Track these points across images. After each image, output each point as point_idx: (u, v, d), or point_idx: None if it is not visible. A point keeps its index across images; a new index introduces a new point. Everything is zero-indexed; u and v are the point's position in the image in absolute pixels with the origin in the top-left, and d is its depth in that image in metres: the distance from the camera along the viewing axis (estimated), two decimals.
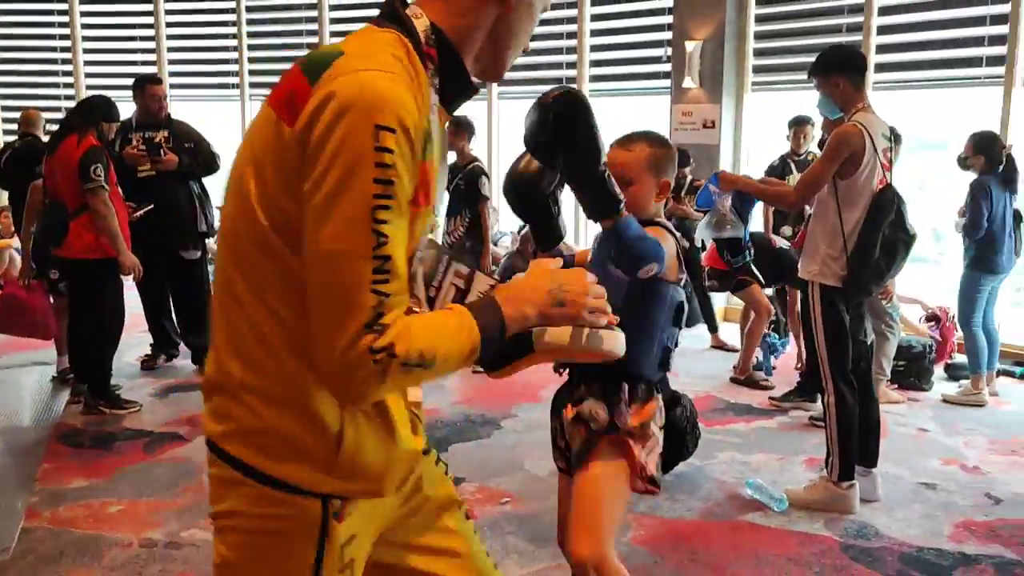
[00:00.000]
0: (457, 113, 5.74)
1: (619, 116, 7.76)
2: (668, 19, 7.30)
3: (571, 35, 7.94)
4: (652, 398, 2.12)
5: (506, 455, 4.21)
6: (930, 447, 4.32)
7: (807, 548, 3.24)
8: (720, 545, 3.27)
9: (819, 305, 3.46)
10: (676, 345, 2.17)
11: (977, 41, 5.96)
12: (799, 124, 5.83)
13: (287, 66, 1.27)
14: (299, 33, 9.31)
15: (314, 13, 9.10)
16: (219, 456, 1.31)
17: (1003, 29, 5.75)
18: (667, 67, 7.32)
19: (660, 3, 7.40)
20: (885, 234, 3.30)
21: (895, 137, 3.57)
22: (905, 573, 3.08)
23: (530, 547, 3.22)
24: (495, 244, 7.69)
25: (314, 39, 9.17)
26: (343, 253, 1.12)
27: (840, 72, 3.40)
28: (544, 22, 7.98)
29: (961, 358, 5.64)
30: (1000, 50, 5.79)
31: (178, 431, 4.49)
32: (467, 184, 5.60)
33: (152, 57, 9.60)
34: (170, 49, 9.67)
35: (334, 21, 9.15)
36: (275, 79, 1.29)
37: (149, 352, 5.77)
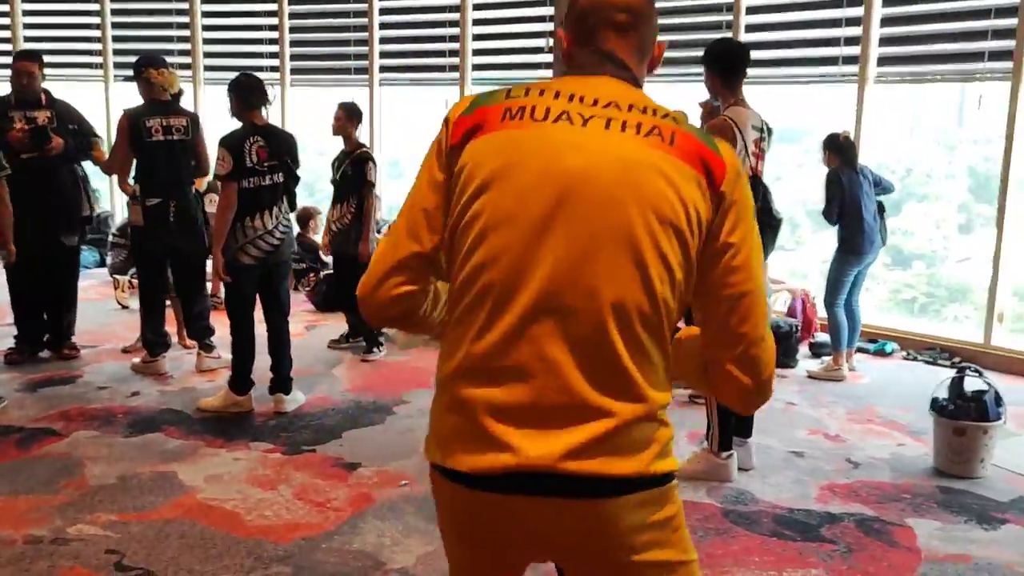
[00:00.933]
0: (345, 100, 5.65)
1: None
2: (549, 10, 7.46)
3: (453, 23, 8.01)
4: None
5: (401, 439, 4.26)
6: (797, 419, 4.65)
7: (691, 515, 3.44)
8: None
9: None
10: None
11: (834, 41, 6.38)
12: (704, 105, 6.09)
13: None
14: (168, 12, 8.99)
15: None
16: (646, 484, 1.42)
17: (858, 31, 6.19)
18: (549, 57, 7.49)
19: None
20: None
21: (768, 129, 3.82)
22: (778, 532, 3.33)
23: (430, 526, 3.28)
24: (378, 232, 7.69)
25: (184, 18, 8.88)
26: (757, 280, 1.45)
27: (711, 66, 3.62)
28: (430, 10, 8.05)
29: (822, 336, 6.06)
30: (855, 50, 6.22)
31: (51, 427, 4.30)
32: (354, 170, 5.58)
33: (7, 34, 9.05)
34: (26, 26, 9.14)
35: (205, 1, 8.89)
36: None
37: (13, 346, 5.48)
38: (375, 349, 5.70)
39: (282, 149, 4.54)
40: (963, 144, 9.95)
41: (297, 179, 4.69)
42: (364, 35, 8.37)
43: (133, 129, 4.96)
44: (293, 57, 8.74)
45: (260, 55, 8.83)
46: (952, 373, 4.10)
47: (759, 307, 1.43)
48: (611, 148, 1.39)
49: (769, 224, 3.60)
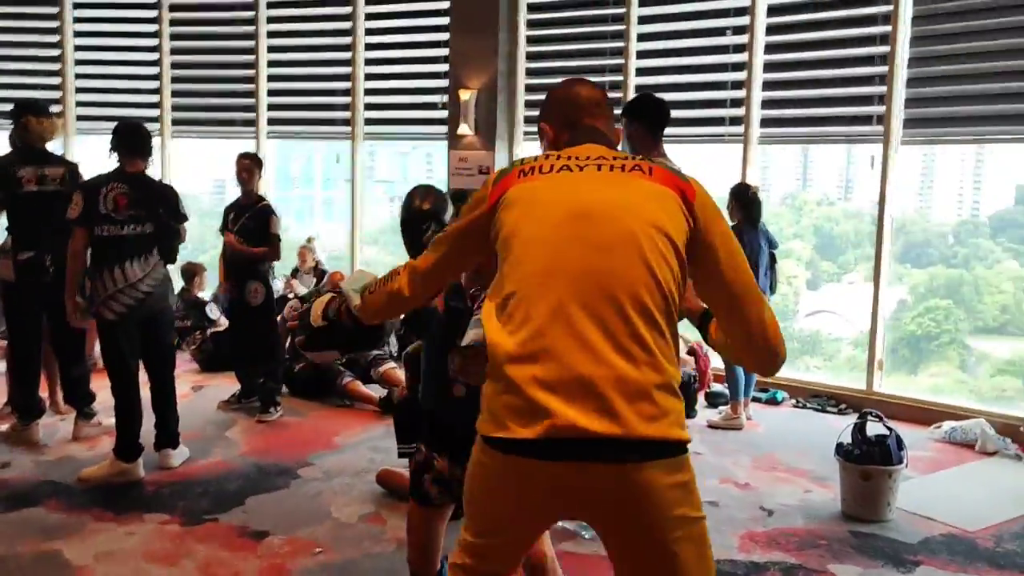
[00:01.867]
0: (250, 150, 5.52)
1: (401, 160, 7.82)
2: (444, 67, 7.50)
3: (346, 77, 7.93)
4: None
5: (310, 504, 4.03)
6: (706, 468, 4.69)
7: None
8: None
9: None
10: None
11: (721, 103, 6.68)
12: None
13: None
14: (38, 58, 8.52)
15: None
16: (672, 450, 1.70)
17: (742, 93, 6.50)
18: (444, 114, 7.50)
19: (437, 52, 7.59)
20: None
21: None
22: None
23: None
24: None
25: (56, 65, 8.43)
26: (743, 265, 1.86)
27: (638, 118, 3.67)
28: (325, 63, 7.93)
29: (718, 387, 6.20)
30: (740, 111, 6.53)
31: None
32: (256, 223, 5.37)
33: None
34: None
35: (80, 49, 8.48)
36: None
37: None
38: (272, 409, 5.42)
39: (152, 200, 4.28)
40: (808, 204, 10.58)
41: (174, 233, 4.43)
42: (251, 86, 8.17)
43: (3, 179, 4.61)
44: (175, 108, 8.42)
45: (138, 105, 8.47)
46: (845, 419, 4.24)
47: (751, 287, 1.85)
48: (607, 180, 1.82)
49: None
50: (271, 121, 8.25)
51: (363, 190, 8.19)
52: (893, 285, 8.25)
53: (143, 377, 4.38)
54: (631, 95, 6.91)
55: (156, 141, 8.33)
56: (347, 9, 7.85)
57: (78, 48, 8.51)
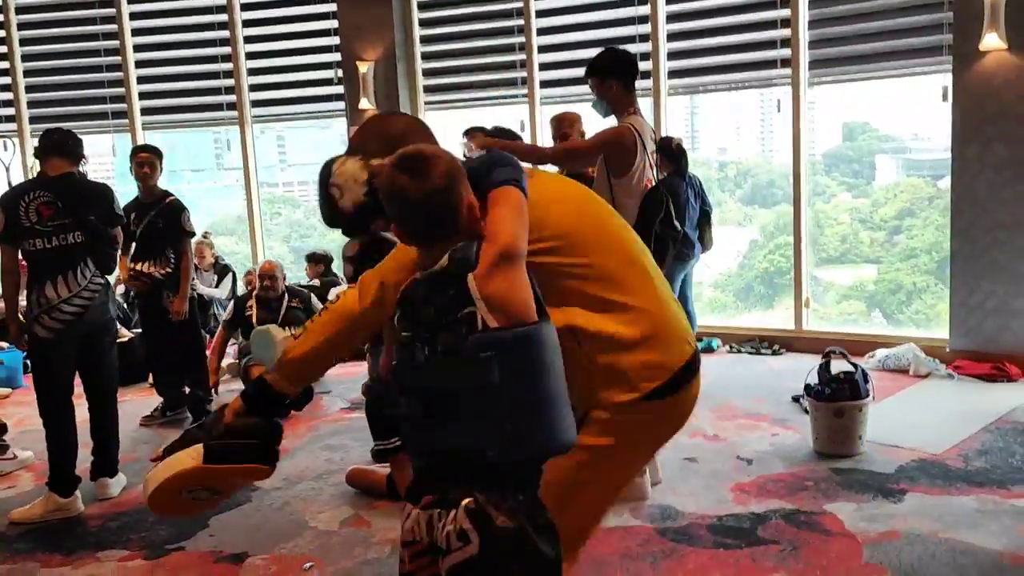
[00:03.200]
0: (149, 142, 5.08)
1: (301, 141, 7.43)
2: (334, 40, 7.12)
3: (225, 58, 7.42)
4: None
5: (281, 517, 3.74)
6: None
7: (631, 541, 3.29)
8: None
9: None
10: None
11: None
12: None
13: None
14: None
15: None
16: None
17: (648, 47, 6.45)
18: (340, 89, 7.13)
19: (325, 25, 7.19)
20: (657, 231, 3.49)
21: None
22: (721, 543, 3.26)
23: None
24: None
25: None
26: None
27: (614, 75, 3.53)
28: (198, 45, 7.39)
29: None
30: (646, 65, 6.49)
31: None
32: (167, 220, 4.92)
33: None
34: None
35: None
36: None
37: None
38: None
39: (81, 206, 3.85)
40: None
41: (108, 239, 4.00)
42: (119, 75, 7.53)
43: None
44: (32, 104, 7.67)
45: None
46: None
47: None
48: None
49: (671, 236, 3.57)
50: (146, 111, 7.64)
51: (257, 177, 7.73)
52: (744, 226, 8.63)
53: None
54: (535, 57, 6.77)
55: (13, 144, 7.70)
56: None
57: None
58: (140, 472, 4.30)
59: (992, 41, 5.15)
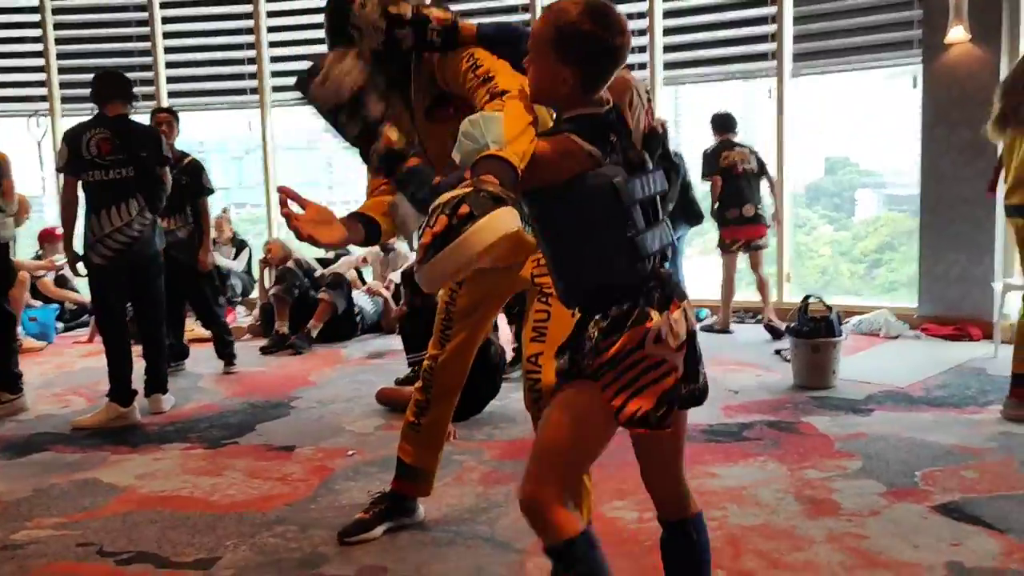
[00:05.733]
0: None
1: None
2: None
3: (249, 46, 7.91)
4: (637, 316, 1.64)
5: (320, 424, 4.18)
6: None
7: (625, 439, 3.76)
8: None
9: None
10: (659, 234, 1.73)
11: None
12: None
13: None
14: None
15: None
16: None
17: (645, 40, 7.00)
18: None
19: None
20: None
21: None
22: (713, 439, 3.74)
23: None
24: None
25: None
26: None
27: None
28: (224, 33, 7.86)
29: None
30: (644, 57, 7.03)
31: None
32: (191, 178, 5.33)
33: None
34: None
35: None
36: None
37: None
38: (234, 360, 5.47)
39: (135, 144, 4.31)
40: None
41: (156, 178, 4.44)
42: (148, 59, 8.01)
43: None
44: (63, 85, 8.13)
45: (22, 84, 8.15)
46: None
47: None
48: None
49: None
50: (171, 94, 8.11)
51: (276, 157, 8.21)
52: None
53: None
54: None
55: (46, 121, 8.15)
56: None
57: None
58: (184, 397, 4.75)
59: (957, 34, 5.73)
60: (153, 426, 4.24)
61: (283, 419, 4.30)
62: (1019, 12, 5.70)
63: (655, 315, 1.65)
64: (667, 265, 1.77)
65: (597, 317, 1.69)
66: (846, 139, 11.05)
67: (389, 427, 4.07)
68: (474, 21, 2.09)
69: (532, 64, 1.71)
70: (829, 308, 4.67)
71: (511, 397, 4.42)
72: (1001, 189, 4.10)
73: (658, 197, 1.75)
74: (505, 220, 1.47)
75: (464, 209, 1.45)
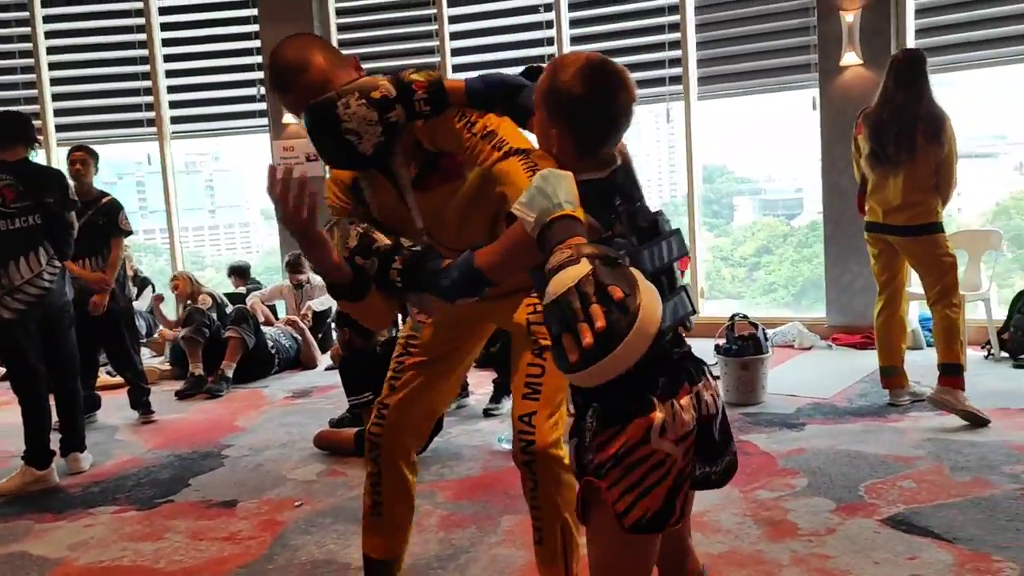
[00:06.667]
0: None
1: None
2: (257, 59, 7.45)
3: (145, 76, 7.61)
4: (640, 407, 1.52)
5: (259, 474, 4.03)
6: None
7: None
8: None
9: None
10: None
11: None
12: None
13: None
14: None
15: None
16: None
17: None
18: (263, 106, 7.45)
19: (247, 45, 7.51)
20: None
21: None
22: None
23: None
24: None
25: None
26: None
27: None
28: (117, 63, 7.53)
29: None
30: None
31: None
32: (108, 218, 5.09)
33: None
34: None
35: None
36: None
37: None
38: (151, 408, 5.21)
39: (40, 189, 4.07)
40: None
41: (64, 224, 4.20)
42: (33, 92, 7.58)
43: None
44: None
45: None
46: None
47: None
48: None
49: None
50: (60, 127, 7.72)
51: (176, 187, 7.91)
52: None
53: None
54: (450, 74, 7.29)
55: None
56: (138, 4, 7.55)
57: None
58: (103, 452, 4.50)
59: (850, 58, 6.05)
60: (75, 488, 3.98)
61: (218, 471, 4.12)
62: (905, 36, 6.07)
63: (659, 406, 1.52)
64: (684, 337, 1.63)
65: (595, 404, 1.56)
66: (723, 149, 11.46)
67: (333, 472, 3.96)
68: (461, 76, 1.98)
69: (535, 117, 1.65)
70: (755, 325, 4.82)
71: (454, 431, 4.39)
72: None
73: (675, 265, 1.61)
74: (652, 288, 1.37)
75: (618, 293, 1.30)
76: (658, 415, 1.51)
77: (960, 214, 9.29)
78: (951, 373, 4.15)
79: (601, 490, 1.54)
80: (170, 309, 6.97)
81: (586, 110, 1.56)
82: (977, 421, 4.03)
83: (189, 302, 6.36)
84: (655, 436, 1.51)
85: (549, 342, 1.99)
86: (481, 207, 2.02)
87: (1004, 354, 5.48)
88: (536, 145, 1.71)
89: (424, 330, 2.28)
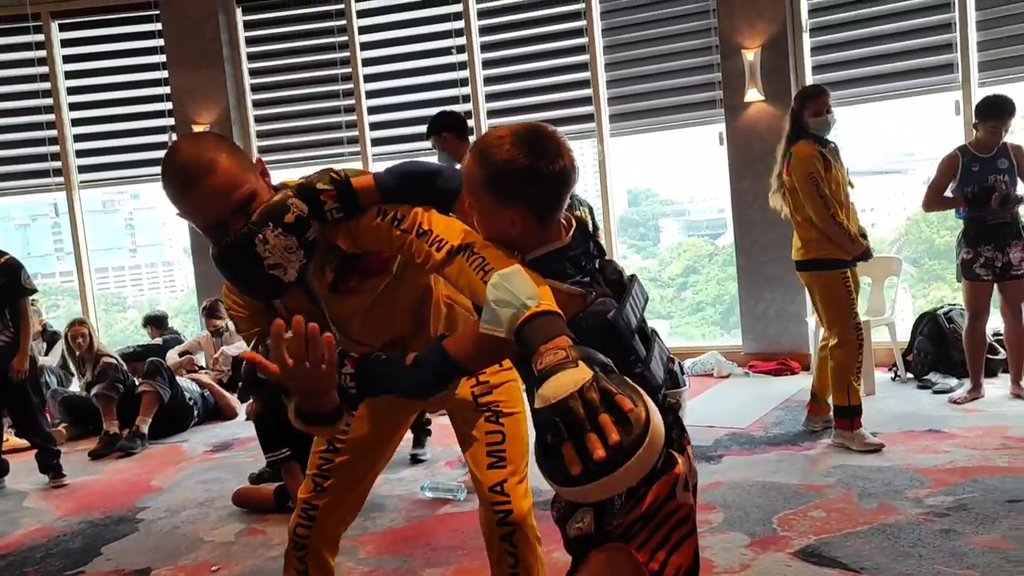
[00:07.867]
0: None
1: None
2: (167, 105, 7.34)
3: (50, 125, 7.41)
4: (664, 463, 1.46)
5: (174, 537, 3.92)
6: None
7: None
8: (445, 534, 3.63)
9: None
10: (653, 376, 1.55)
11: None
12: None
13: None
14: None
15: None
16: None
17: (469, 107, 7.17)
18: None
19: (157, 91, 7.40)
20: None
21: None
22: None
23: None
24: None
25: None
26: None
27: (446, 129, 4.19)
28: (22, 112, 7.32)
29: None
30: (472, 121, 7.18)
31: None
32: (9, 279, 4.92)
33: None
34: None
35: None
36: None
37: None
38: (62, 471, 5.03)
39: None
40: None
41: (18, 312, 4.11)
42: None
43: None
44: None
45: None
46: None
47: None
48: None
49: None
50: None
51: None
52: None
53: None
54: (365, 115, 7.30)
55: None
56: (41, 53, 7.38)
57: None
58: (10, 522, 4.32)
59: (753, 95, 6.27)
60: None
61: (131, 536, 4.00)
62: (804, 74, 6.32)
63: (679, 458, 1.48)
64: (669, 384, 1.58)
65: None
66: (647, 172, 11.75)
67: (252, 531, 3.88)
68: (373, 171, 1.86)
69: (473, 208, 1.56)
70: (672, 359, 4.91)
71: (377, 480, 4.34)
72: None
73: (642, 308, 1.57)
74: (647, 397, 1.27)
75: (627, 404, 1.22)
76: (681, 468, 1.50)
77: (875, 228, 9.71)
78: (840, 415, 4.32)
79: (601, 559, 1.49)
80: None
81: (537, 177, 1.48)
82: (874, 450, 4.19)
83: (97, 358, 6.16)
84: (679, 490, 1.48)
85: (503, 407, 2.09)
86: (408, 297, 1.98)
87: (909, 375, 5.70)
88: (464, 224, 1.66)
89: (353, 424, 2.15)
